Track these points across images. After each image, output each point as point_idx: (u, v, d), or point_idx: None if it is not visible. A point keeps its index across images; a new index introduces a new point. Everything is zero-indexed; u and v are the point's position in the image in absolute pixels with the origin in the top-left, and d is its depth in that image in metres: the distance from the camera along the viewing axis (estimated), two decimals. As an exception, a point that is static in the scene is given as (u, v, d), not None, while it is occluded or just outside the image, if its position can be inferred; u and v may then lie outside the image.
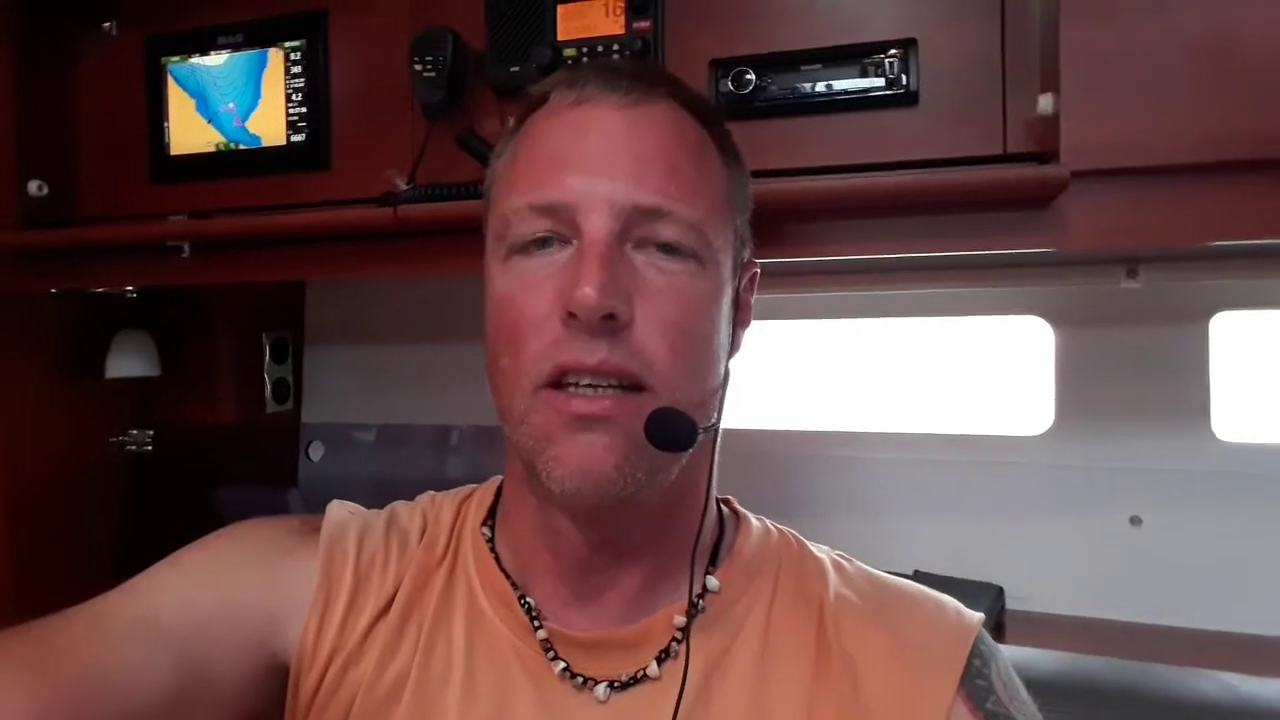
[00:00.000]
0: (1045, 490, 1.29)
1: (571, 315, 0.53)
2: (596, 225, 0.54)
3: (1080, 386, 1.28)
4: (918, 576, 1.31)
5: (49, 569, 1.38)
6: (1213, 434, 1.22)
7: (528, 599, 0.62)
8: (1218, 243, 0.83)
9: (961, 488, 1.33)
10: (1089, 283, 1.22)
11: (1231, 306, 1.21)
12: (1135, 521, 1.25)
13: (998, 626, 1.23)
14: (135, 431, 1.54)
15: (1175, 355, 1.23)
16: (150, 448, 1.54)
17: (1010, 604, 1.27)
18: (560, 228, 0.56)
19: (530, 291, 0.56)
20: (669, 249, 0.56)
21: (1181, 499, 1.22)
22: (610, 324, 0.53)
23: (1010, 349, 1.36)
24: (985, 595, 1.23)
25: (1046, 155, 0.85)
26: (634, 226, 0.55)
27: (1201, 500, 1.21)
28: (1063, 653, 0.92)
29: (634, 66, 0.61)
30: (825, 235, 0.93)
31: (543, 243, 0.56)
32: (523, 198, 0.57)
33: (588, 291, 0.52)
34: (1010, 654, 0.64)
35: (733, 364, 0.63)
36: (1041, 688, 0.63)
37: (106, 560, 1.48)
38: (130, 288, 1.36)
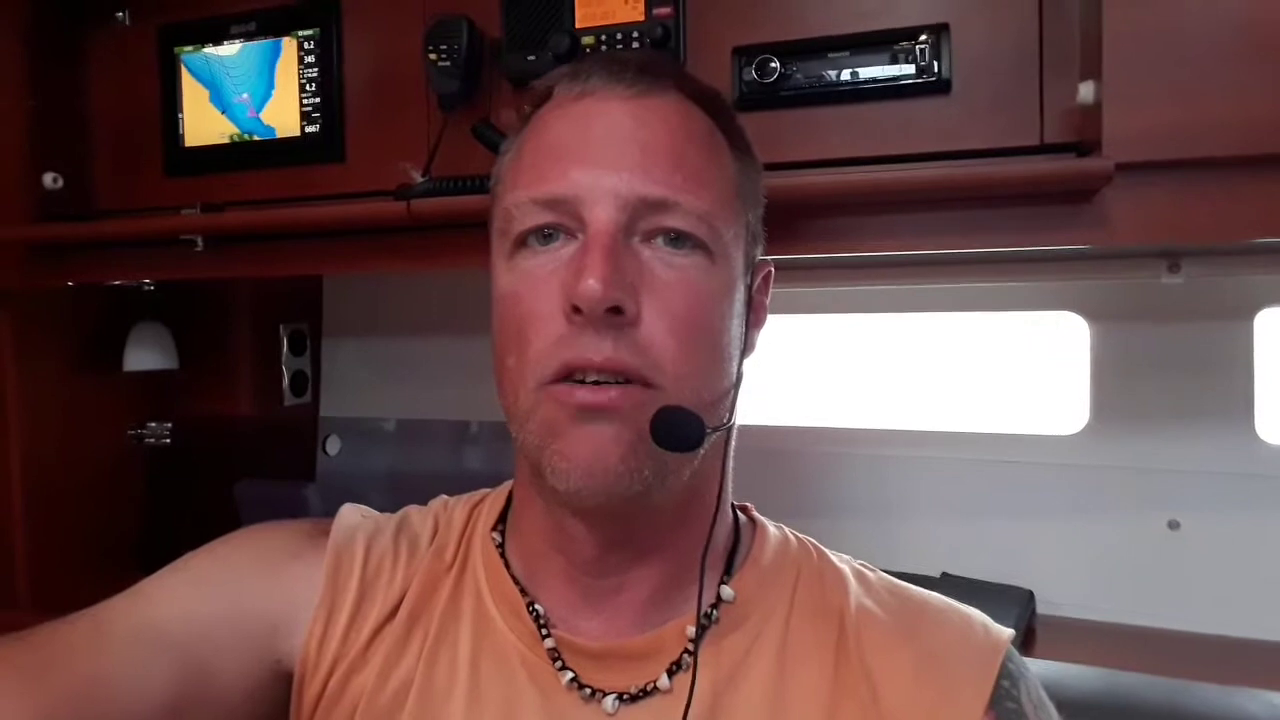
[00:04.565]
0: (1079, 492, 1.25)
1: (576, 310, 0.51)
2: (601, 217, 0.53)
3: (1117, 385, 1.24)
4: (945, 579, 1.28)
5: (67, 562, 1.38)
6: (1256, 435, 1.17)
7: (536, 606, 0.60)
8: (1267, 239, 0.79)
9: (992, 488, 1.29)
10: (1128, 278, 1.18)
11: (1277, 303, 1.16)
12: (1173, 525, 1.21)
13: (1028, 632, 1.19)
14: (153, 424, 1.54)
15: (1217, 353, 1.18)
16: (168, 440, 1.54)
17: (1041, 609, 1.24)
18: (564, 221, 0.54)
19: (535, 288, 0.54)
20: (677, 240, 0.54)
21: (1222, 502, 1.18)
22: (616, 318, 0.51)
23: (1044, 345, 1.32)
24: (1015, 599, 1.20)
25: (1086, 146, 0.81)
26: (640, 219, 0.54)
27: (1243, 504, 1.17)
28: (1098, 669, 0.89)
29: (640, 58, 0.60)
30: (853, 231, 0.90)
31: (547, 237, 0.55)
32: (526, 191, 0.55)
33: (591, 284, 0.50)
34: (1044, 671, 0.61)
35: (746, 365, 0.61)
36: (1076, 706, 0.60)
37: (124, 553, 1.48)
38: (147, 280, 1.35)
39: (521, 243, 0.56)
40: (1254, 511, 1.16)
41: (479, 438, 1.56)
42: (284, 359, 1.63)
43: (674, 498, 0.56)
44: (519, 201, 0.55)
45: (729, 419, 0.59)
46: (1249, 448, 1.17)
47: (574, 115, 0.57)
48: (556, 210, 0.54)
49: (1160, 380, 1.21)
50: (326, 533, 0.65)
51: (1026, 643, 1.16)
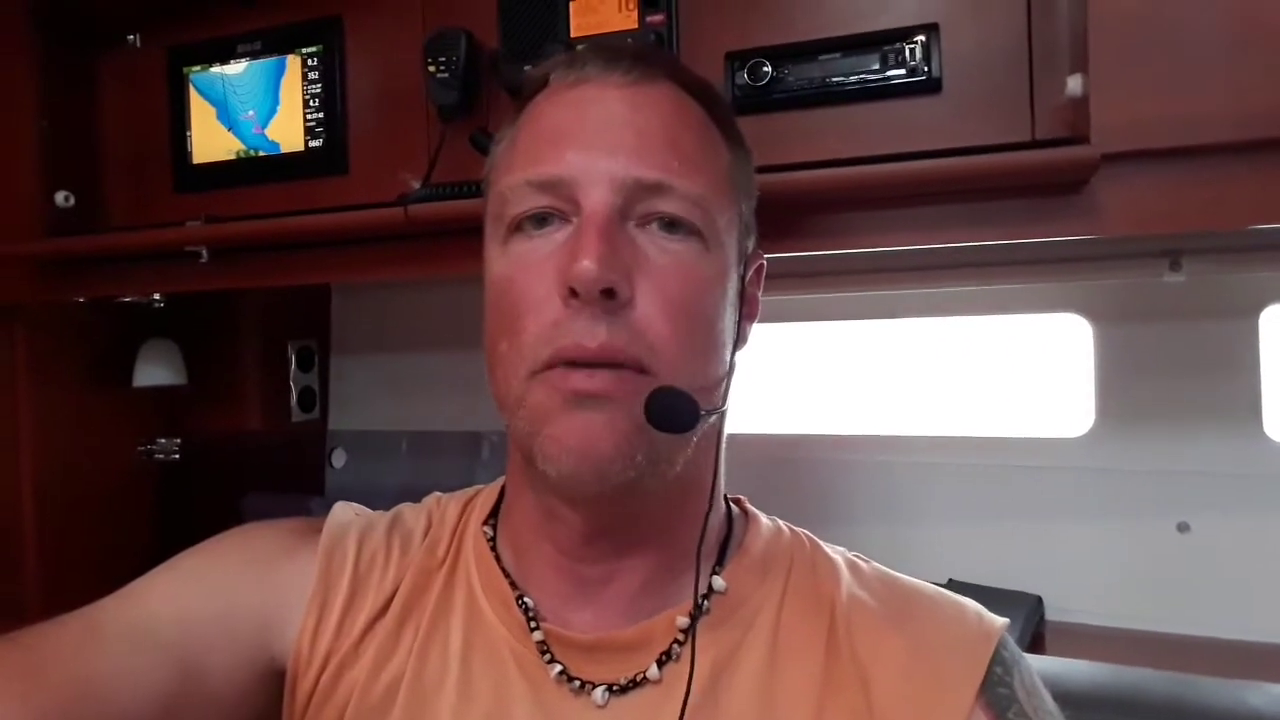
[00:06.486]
0: (1086, 495, 1.23)
1: (572, 293, 0.51)
2: (596, 200, 0.53)
3: (1122, 386, 1.23)
4: (952, 586, 1.25)
5: (77, 577, 1.39)
6: (1264, 434, 1.16)
7: (525, 599, 0.59)
8: (1263, 226, 0.78)
9: (998, 493, 1.28)
10: (1129, 277, 1.18)
11: (1281, 299, 1.16)
12: (1183, 528, 1.19)
13: (1036, 638, 1.18)
14: (163, 440, 1.55)
15: (1223, 351, 1.17)
16: (177, 456, 1.55)
17: (1050, 614, 1.22)
18: (559, 204, 0.54)
19: (529, 272, 0.54)
20: (671, 225, 0.54)
21: (1231, 503, 1.16)
22: (610, 302, 0.51)
23: (1048, 348, 1.31)
24: (1023, 605, 1.18)
25: (1076, 141, 0.81)
26: (635, 202, 0.54)
27: (1253, 504, 1.15)
28: (1102, 663, 0.87)
29: (634, 48, 0.60)
30: (849, 227, 0.90)
31: (541, 221, 0.55)
32: (520, 174, 0.55)
33: (586, 265, 0.50)
34: (1047, 665, 0.60)
35: (739, 357, 0.60)
36: (1080, 700, 0.59)
37: (134, 569, 1.48)
38: (157, 297, 1.37)
39: (516, 228, 0.55)
40: (1263, 511, 1.14)
41: (491, 451, 1.56)
42: (292, 375, 1.64)
43: (666, 487, 0.56)
44: (513, 184, 0.55)
45: (722, 406, 0.58)
46: (1257, 447, 1.15)
47: (569, 101, 0.57)
48: (551, 193, 0.54)
49: (1166, 380, 1.19)
50: (319, 530, 0.65)
51: (1035, 649, 1.14)
